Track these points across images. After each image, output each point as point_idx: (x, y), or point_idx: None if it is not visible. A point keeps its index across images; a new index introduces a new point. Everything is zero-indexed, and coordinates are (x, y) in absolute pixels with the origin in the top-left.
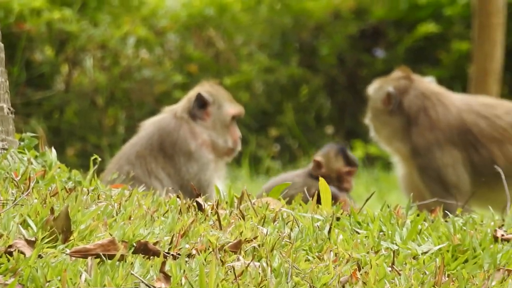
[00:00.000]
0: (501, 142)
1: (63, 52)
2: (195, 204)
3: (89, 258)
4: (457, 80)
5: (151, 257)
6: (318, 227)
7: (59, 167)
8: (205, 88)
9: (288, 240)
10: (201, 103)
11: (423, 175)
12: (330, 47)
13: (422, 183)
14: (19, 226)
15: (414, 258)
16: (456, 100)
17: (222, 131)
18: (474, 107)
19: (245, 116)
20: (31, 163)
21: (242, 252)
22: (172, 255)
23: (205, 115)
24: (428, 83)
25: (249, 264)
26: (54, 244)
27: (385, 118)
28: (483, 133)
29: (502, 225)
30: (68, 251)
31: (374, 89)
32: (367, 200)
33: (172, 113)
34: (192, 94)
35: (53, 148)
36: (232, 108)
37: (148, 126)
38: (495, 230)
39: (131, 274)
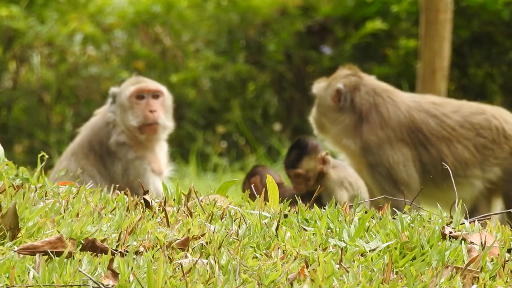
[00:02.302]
0: (450, 141)
1: (10, 49)
2: (142, 201)
3: (37, 255)
4: (404, 77)
5: (99, 254)
6: (266, 224)
7: (6, 164)
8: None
9: (235, 237)
10: (113, 99)
11: (373, 172)
12: (277, 44)
13: (371, 181)
14: None
15: (362, 255)
16: (406, 98)
17: (126, 113)
18: (423, 105)
19: (192, 113)
20: None
21: (190, 249)
22: (120, 252)
23: (117, 108)
24: (376, 80)
25: (197, 261)
26: (2, 242)
27: (334, 115)
28: (432, 131)
29: (450, 222)
30: (16, 248)
31: (322, 87)
32: (314, 197)
33: (101, 114)
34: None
35: (0, 145)
36: (129, 89)
37: (85, 127)
38: (443, 228)
39: (79, 271)
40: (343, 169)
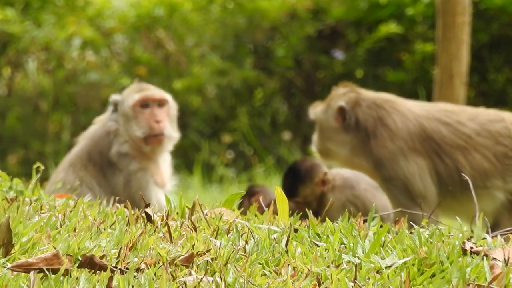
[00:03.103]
0: (466, 150)
1: (5, 54)
2: (144, 215)
3: (32, 272)
4: (420, 83)
5: (98, 271)
6: (275, 239)
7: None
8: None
9: (243, 254)
10: (115, 107)
11: (389, 186)
12: (286, 49)
13: (387, 194)
14: None
15: (377, 272)
16: (412, 106)
17: (130, 123)
18: (433, 113)
19: (196, 121)
20: None
21: (194, 266)
22: (120, 269)
23: (119, 117)
24: (374, 93)
25: (201, 279)
26: None
27: (340, 137)
28: (446, 140)
29: (471, 237)
30: (9, 265)
31: (320, 110)
32: (326, 209)
33: (101, 123)
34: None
35: None
36: (133, 97)
37: (84, 136)
38: (464, 243)
39: None
40: (350, 187)
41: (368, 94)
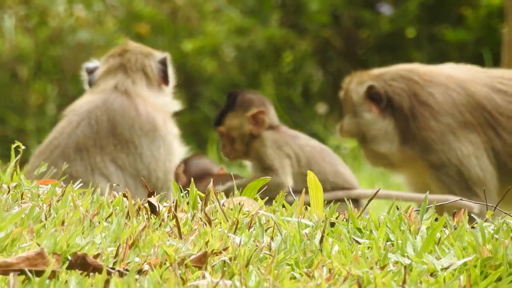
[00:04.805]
0: None
1: None
2: (146, 205)
3: (11, 274)
4: (485, 44)
5: (91, 273)
6: (307, 235)
7: None
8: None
9: (267, 252)
10: (165, 67)
11: (440, 174)
12: (321, 2)
13: (438, 185)
14: None
15: (431, 275)
16: (451, 71)
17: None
18: (482, 78)
19: (211, 90)
20: None
21: (209, 268)
22: (118, 271)
23: (164, 82)
24: (388, 67)
25: (217, 283)
26: None
27: (379, 125)
28: (501, 110)
29: None
30: None
31: (348, 119)
32: (370, 200)
33: (118, 90)
34: (133, 63)
35: None
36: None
37: (85, 111)
38: None
39: None
40: (292, 137)
41: (383, 69)
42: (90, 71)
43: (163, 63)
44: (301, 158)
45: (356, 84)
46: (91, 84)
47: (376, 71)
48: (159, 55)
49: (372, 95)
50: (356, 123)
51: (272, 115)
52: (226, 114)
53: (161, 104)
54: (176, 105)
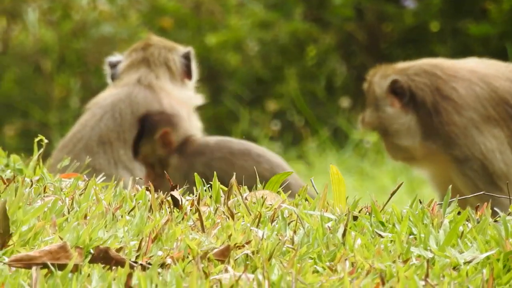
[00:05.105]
0: None
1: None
2: (169, 199)
3: (34, 268)
4: (509, 37)
5: (114, 267)
6: (330, 229)
7: None
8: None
9: (290, 246)
10: (188, 62)
11: (464, 169)
12: None
13: (462, 180)
14: None
15: (454, 268)
16: (473, 66)
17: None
18: (505, 73)
19: (234, 84)
20: None
21: (231, 261)
22: (141, 264)
23: (187, 76)
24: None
25: (240, 276)
26: None
27: (401, 120)
28: None
29: None
30: (6, 259)
31: (369, 111)
32: (393, 193)
33: (142, 83)
34: (156, 57)
35: None
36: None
37: (109, 104)
38: None
39: None
40: (199, 154)
41: (407, 64)
42: (113, 65)
43: (186, 57)
44: (208, 175)
45: (380, 77)
46: (114, 78)
47: (400, 65)
48: (182, 49)
49: (396, 89)
50: (378, 116)
51: (184, 128)
52: (138, 143)
53: (185, 98)
54: (199, 99)
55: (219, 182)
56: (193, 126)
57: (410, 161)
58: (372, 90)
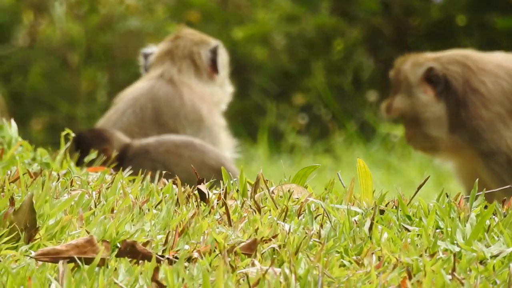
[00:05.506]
0: None
1: None
2: (196, 192)
3: (60, 262)
4: None
5: (140, 261)
6: (356, 223)
7: (21, 145)
8: (203, 39)
9: (317, 240)
10: (214, 59)
11: (490, 163)
12: None
13: (488, 173)
14: None
15: (481, 262)
16: (501, 60)
17: (225, 87)
18: None
19: (261, 78)
20: None
21: (258, 255)
22: (168, 258)
23: (213, 73)
24: (446, 52)
25: (267, 270)
26: (15, 245)
27: (433, 109)
28: None
29: None
30: (33, 253)
31: (401, 97)
32: (419, 187)
33: (164, 78)
34: (181, 50)
35: (13, 120)
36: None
37: (131, 99)
38: None
39: (115, 283)
40: (144, 152)
41: (438, 53)
42: (147, 56)
43: (214, 51)
44: (159, 169)
45: (412, 65)
46: (147, 69)
47: (431, 54)
48: (212, 42)
49: (430, 77)
50: (410, 103)
51: (117, 138)
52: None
53: (209, 94)
54: (227, 96)
55: (169, 174)
56: (214, 123)
57: (432, 151)
58: (403, 77)
